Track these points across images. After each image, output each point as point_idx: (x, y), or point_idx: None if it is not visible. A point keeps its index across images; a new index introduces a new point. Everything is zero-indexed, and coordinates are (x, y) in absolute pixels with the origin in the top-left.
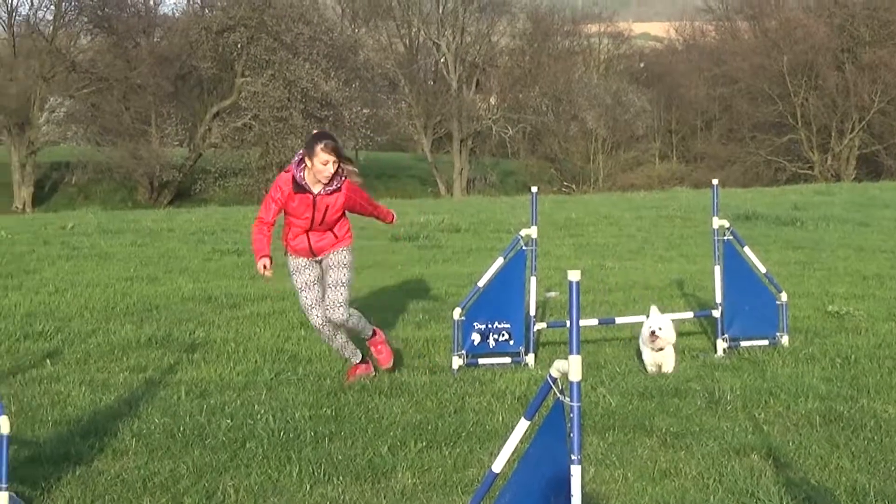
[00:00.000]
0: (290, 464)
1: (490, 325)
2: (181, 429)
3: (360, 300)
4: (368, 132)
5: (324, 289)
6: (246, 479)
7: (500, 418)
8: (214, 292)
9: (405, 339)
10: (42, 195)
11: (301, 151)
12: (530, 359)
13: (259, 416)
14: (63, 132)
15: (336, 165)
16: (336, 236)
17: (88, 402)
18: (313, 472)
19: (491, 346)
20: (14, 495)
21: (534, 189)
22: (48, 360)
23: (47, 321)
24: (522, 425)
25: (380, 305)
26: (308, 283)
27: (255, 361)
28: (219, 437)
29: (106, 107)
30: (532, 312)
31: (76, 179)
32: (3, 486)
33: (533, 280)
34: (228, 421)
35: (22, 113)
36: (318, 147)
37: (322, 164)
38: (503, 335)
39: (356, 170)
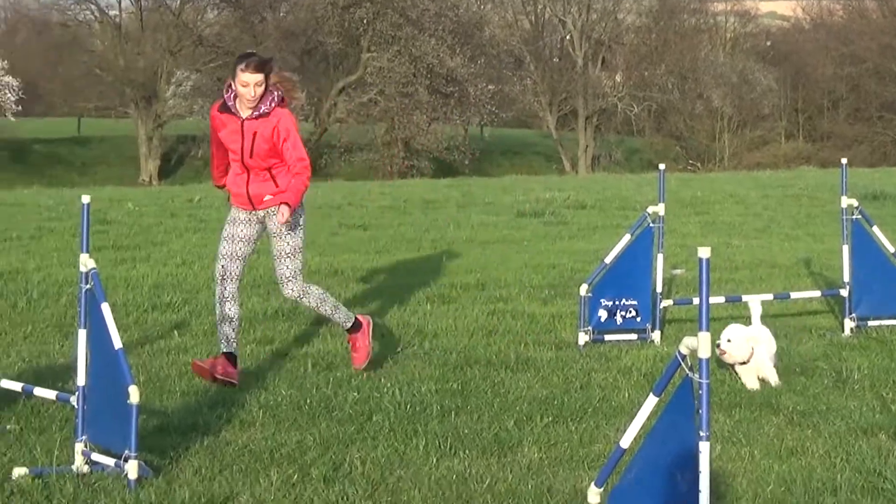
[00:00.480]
0: (416, 437)
1: (617, 302)
2: (308, 401)
3: (486, 274)
4: (494, 108)
5: (247, 248)
6: (372, 451)
7: (626, 394)
8: (341, 266)
9: (531, 314)
10: (168, 168)
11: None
12: (656, 336)
13: (385, 389)
14: (189, 106)
15: (261, 88)
16: (276, 184)
17: None
18: (439, 446)
19: (619, 323)
20: (143, 464)
21: (661, 166)
22: (176, 332)
23: (175, 293)
24: (651, 401)
25: (505, 281)
26: (233, 235)
27: (382, 335)
28: (345, 410)
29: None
30: (658, 289)
31: (202, 153)
32: (133, 454)
33: (660, 257)
34: (355, 394)
35: (149, 86)
36: (239, 67)
37: (243, 87)
38: (630, 312)
39: (297, 88)
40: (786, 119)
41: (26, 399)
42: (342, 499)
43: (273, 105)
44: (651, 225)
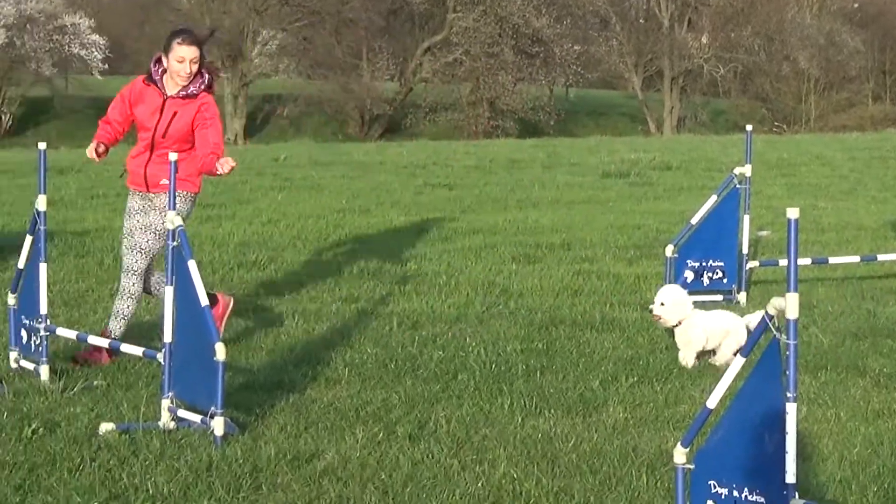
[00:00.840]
0: (501, 396)
1: (704, 263)
2: (393, 359)
3: (571, 235)
4: (579, 69)
5: (147, 236)
6: (458, 410)
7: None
8: (426, 225)
9: (616, 274)
10: (254, 127)
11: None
12: (742, 297)
13: (470, 348)
14: (275, 65)
15: (196, 65)
16: (176, 169)
17: (301, 332)
18: (525, 405)
19: (705, 284)
20: (229, 420)
21: (748, 127)
22: (261, 289)
23: (261, 251)
24: (737, 362)
25: (591, 241)
26: (130, 230)
27: (467, 294)
28: (430, 369)
29: (318, 40)
30: (744, 251)
31: (287, 112)
32: (219, 411)
33: (746, 218)
34: (440, 353)
35: (235, 46)
36: (175, 41)
37: (178, 62)
38: (717, 273)
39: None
40: (873, 81)
41: (113, 355)
42: (428, 457)
43: (201, 88)
44: (737, 186)
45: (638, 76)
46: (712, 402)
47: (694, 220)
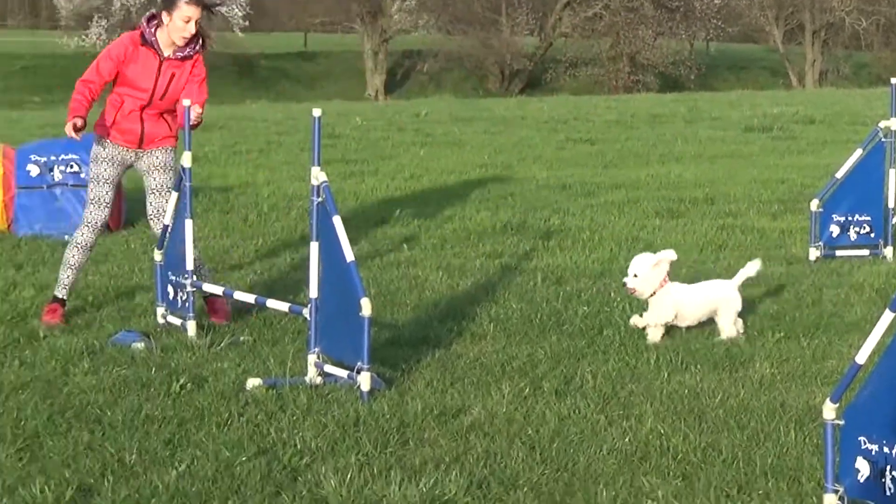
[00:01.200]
0: (647, 351)
1: (850, 218)
2: (538, 314)
3: (715, 189)
4: (720, 23)
5: (117, 193)
6: (603, 365)
7: (858, 311)
8: (568, 180)
9: (761, 229)
10: (393, 83)
11: (154, 10)
12: (888, 251)
13: (615, 303)
14: (414, 21)
15: (198, 26)
16: (170, 127)
17: (446, 287)
18: (671, 361)
19: (852, 239)
20: (375, 376)
21: (893, 80)
22: (405, 245)
23: (404, 206)
24: (887, 317)
25: (734, 195)
26: (111, 178)
27: (611, 249)
28: (576, 324)
29: None
30: (891, 205)
31: (427, 68)
32: (366, 366)
33: (892, 172)
34: (585, 308)
35: (375, 2)
36: (183, 0)
37: (184, 21)
38: (864, 228)
39: (213, 40)
40: None
41: (259, 311)
42: (574, 412)
43: (197, 48)
44: (883, 140)
45: (779, 29)
46: (861, 357)
47: (839, 175)
